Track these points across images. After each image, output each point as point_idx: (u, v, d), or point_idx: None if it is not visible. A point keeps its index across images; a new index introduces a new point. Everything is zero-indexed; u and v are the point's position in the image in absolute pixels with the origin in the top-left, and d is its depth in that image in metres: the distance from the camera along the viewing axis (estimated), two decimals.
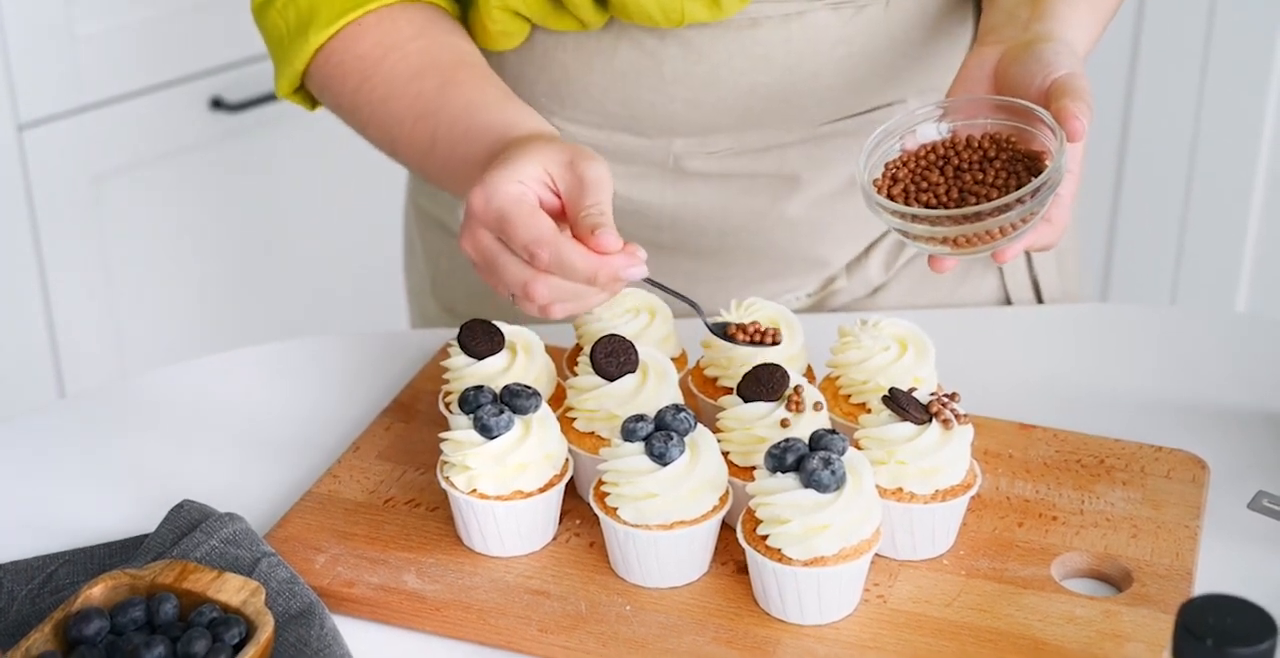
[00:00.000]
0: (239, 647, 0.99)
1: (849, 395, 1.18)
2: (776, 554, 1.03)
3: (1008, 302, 1.48)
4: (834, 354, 1.19)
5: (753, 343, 1.16)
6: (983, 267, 1.45)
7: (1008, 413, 1.26)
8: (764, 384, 1.12)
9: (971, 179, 1.11)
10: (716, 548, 1.11)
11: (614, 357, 1.14)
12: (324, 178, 2.49)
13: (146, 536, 1.13)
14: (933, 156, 1.13)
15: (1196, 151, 2.53)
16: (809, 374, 1.21)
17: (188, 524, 1.11)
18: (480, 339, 1.18)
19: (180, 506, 1.13)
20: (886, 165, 1.14)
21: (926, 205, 1.11)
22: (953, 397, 1.10)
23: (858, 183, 1.12)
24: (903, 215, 1.10)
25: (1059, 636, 1.04)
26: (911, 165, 1.13)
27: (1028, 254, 1.46)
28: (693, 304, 1.14)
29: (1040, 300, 1.49)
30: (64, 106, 2.17)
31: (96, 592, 1.02)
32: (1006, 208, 1.07)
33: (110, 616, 1.01)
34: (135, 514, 1.18)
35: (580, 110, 1.35)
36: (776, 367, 1.12)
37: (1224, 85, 2.47)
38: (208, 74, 2.29)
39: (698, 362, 1.23)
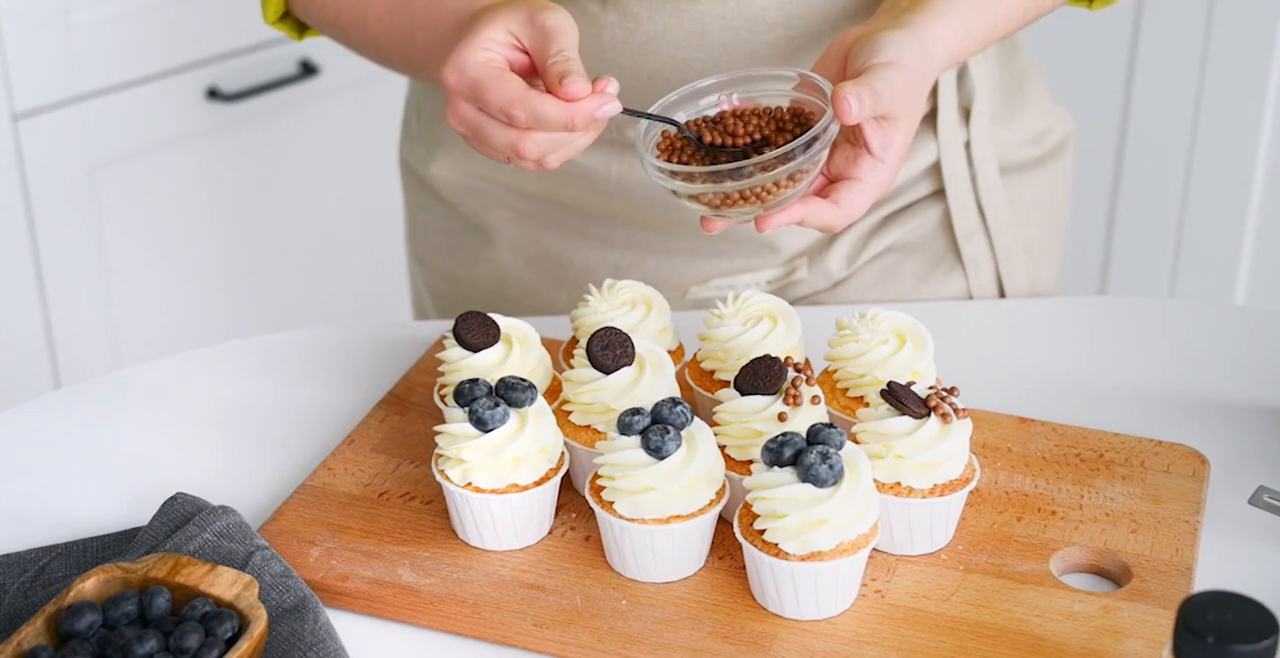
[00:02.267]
0: (232, 641, 0.99)
1: (847, 389, 1.17)
2: (774, 549, 1.03)
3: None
4: (832, 347, 1.18)
5: (724, 146, 1.13)
6: (947, 267, 1.45)
7: (1006, 407, 1.26)
8: (761, 378, 1.11)
9: (755, 145, 1.13)
10: (713, 542, 1.10)
11: (610, 350, 1.13)
12: (320, 168, 2.49)
13: (139, 529, 1.13)
14: (733, 121, 1.14)
15: (1196, 144, 2.52)
16: (806, 368, 1.20)
17: (181, 518, 1.11)
18: (476, 332, 1.17)
19: (173, 498, 1.12)
20: (685, 123, 1.15)
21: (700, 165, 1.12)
22: (951, 391, 1.10)
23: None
24: (664, 172, 1.11)
25: (1058, 631, 1.04)
26: (704, 127, 1.14)
27: (994, 255, 1.45)
28: (674, 123, 1.14)
29: None
30: (59, 96, 2.16)
31: (89, 585, 1.02)
32: (747, 172, 1.08)
33: (102, 609, 1.00)
34: (128, 507, 1.17)
35: None
36: (774, 360, 1.12)
37: (1223, 77, 2.47)
38: (203, 64, 2.29)
39: (695, 355, 1.23)
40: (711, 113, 1.16)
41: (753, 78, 1.16)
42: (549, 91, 1.09)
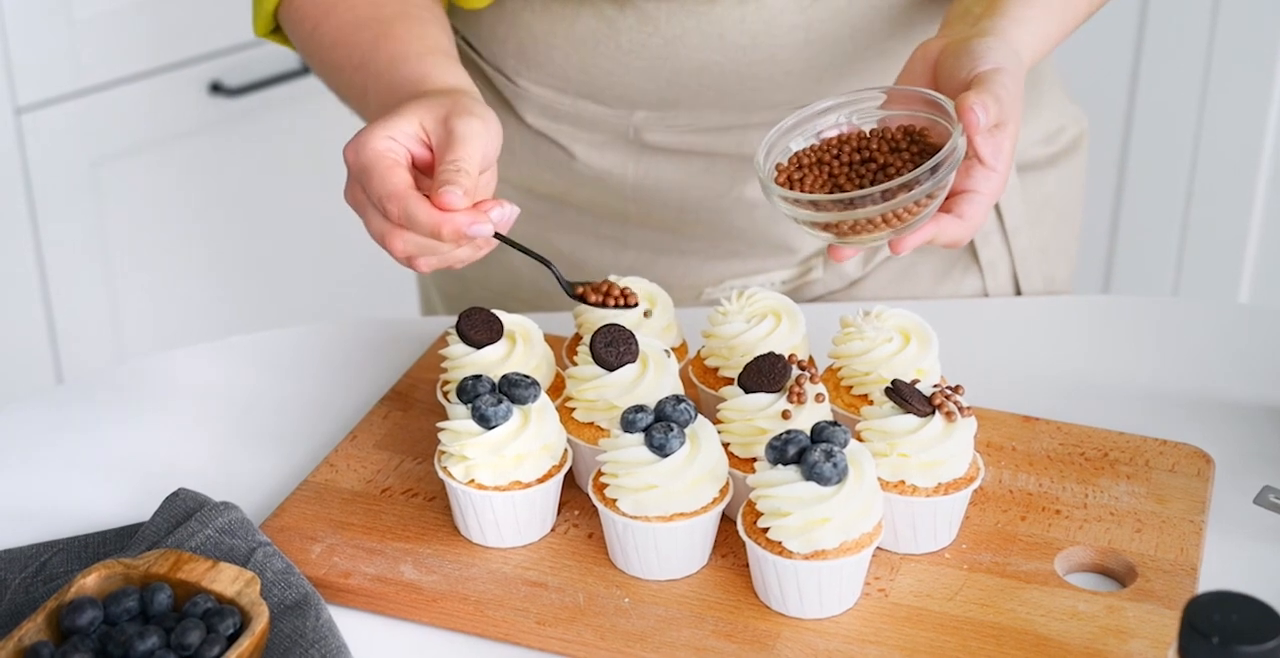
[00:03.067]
0: (234, 638, 0.99)
1: (851, 387, 1.17)
2: (777, 547, 1.02)
3: None
4: (836, 345, 1.18)
5: (603, 305, 1.15)
6: (964, 266, 1.45)
7: (1010, 405, 1.26)
8: (765, 375, 1.11)
9: (876, 168, 1.11)
10: (716, 540, 1.10)
11: (614, 346, 1.13)
12: (323, 162, 2.47)
13: (141, 524, 1.13)
14: (846, 147, 1.13)
15: (1200, 142, 2.52)
16: (810, 365, 1.20)
17: (183, 513, 1.10)
18: (479, 328, 1.17)
19: (175, 494, 1.12)
20: (799, 153, 1.13)
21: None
22: (956, 389, 1.09)
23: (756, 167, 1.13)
24: (788, 200, 1.10)
25: (1062, 631, 1.03)
26: (821, 153, 1.13)
27: (1011, 256, 1.45)
28: (546, 263, 1.14)
29: None
30: (63, 90, 2.16)
31: (90, 581, 1.01)
32: (888, 195, 1.07)
33: (104, 605, 1.00)
34: (130, 503, 1.17)
35: (544, 74, 1.36)
36: (778, 357, 1.11)
37: (1228, 75, 2.46)
38: (207, 58, 2.28)
39: (698, 352, 1.22)
40: (816, 141, 1.14)
41: (865, 98, 1.14)
42: (430, 196, 1.08)
